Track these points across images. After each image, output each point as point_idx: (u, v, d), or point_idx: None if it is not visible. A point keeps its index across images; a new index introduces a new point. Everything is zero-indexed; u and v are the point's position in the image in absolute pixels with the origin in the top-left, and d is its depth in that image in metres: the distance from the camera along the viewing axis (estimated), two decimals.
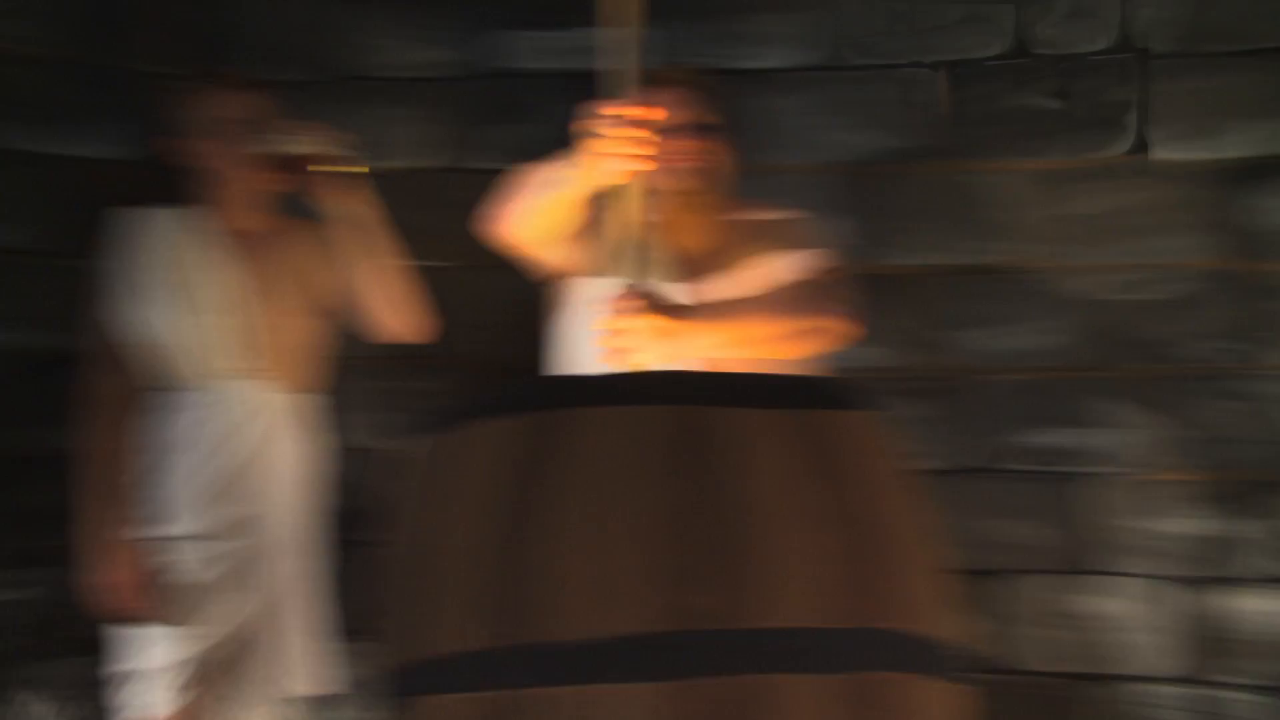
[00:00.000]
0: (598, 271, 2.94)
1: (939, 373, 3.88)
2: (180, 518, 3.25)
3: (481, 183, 4.05)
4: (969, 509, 3.82)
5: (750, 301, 2.80)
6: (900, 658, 2.02)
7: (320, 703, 3.47)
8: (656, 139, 2.60)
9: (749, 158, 3.89)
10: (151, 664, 3.23)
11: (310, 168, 3.29)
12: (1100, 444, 3.80)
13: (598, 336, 2.66)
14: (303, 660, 3.35)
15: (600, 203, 2.81)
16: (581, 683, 1.93)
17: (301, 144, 3.28)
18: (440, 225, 4.09)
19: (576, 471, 2.01)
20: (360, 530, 4.10)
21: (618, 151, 2.56)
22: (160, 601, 3.21)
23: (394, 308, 3.40)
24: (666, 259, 2.97)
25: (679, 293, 2.91)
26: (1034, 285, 3.83)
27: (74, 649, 3.84)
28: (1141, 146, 3.78)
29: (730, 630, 1.95)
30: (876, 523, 2.04)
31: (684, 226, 2.95)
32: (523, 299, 3.75)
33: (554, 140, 4.03)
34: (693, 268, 2.95)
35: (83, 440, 3.25)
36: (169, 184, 3.40)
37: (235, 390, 3.29)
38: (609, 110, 2.56)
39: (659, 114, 2.61)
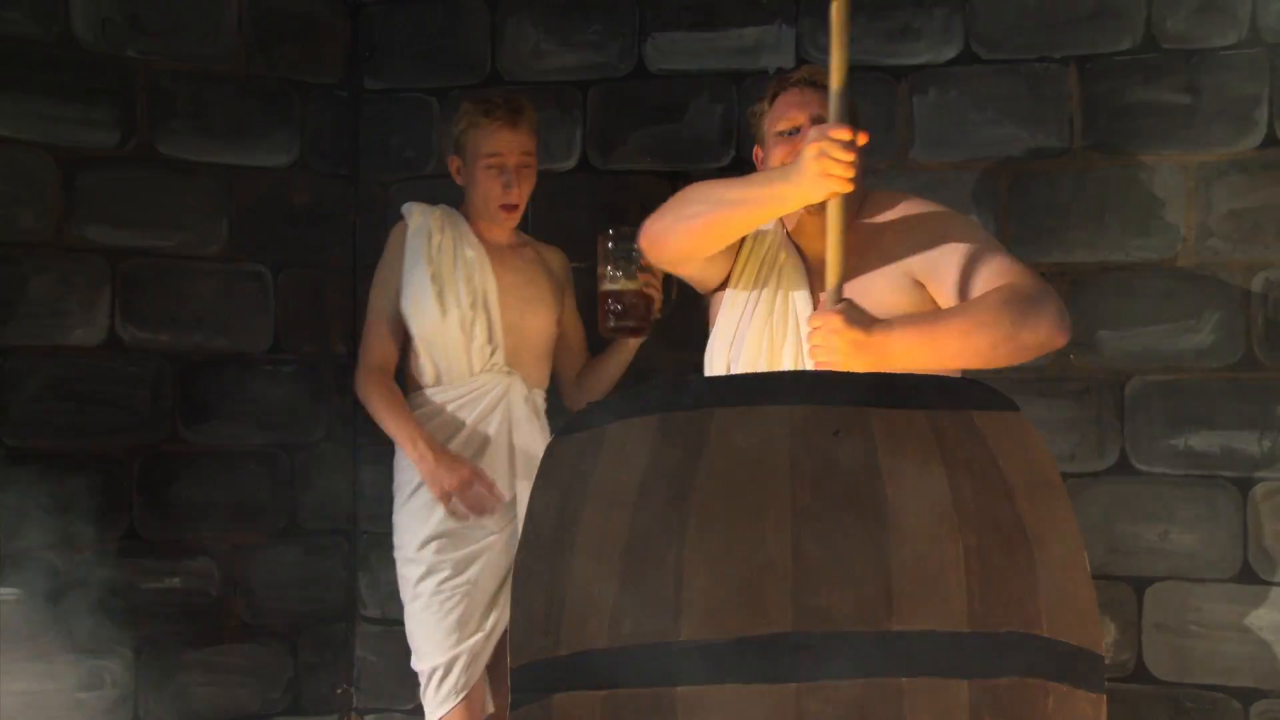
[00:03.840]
0: (755, 278, 2.88)
1: (1081, 373, 3.75)
2: (443, 513, 3.39)
3: (625, 184, 4.05)
4: (1113, 513, 3.70)
5: (951, 314, 2.69)
6: (1039, 664, 1.92)
7: None
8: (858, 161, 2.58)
9: (884, 155, 3.82)
10: (439, 660, 3.37)
11: (620, 305, 3.38)
12: (1249, 447, 3.63)
13: (809, 350, 2.61)
14: None
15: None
16: (706, 683, 1.86)
17: (633, 282, 3.36)
18: (583, 225, 4.07)
19: (707, 471, 1.95)
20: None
21: (837, 174, 2.54)
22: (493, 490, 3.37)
23: (584, 396, 3.63)
24: (794, 256, 2.89)
25: (802, 294, 2.83)
26: (1176, 283, 3.68)
27: (231, 636, 3.88)
28: (1273, 141, 3.63)
29: (859, 632, 1.86)
30: (1016, 526, 1.95)
31: (812, 224, 2.85)
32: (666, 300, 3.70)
33: (697, 142, 4.01)
34: (823, 265, 2.84)
35: (376, 409, 3.45)
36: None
37: (487, 382, 3.44)
38: (839, 134, 2.53)
39: (865, 138, 2.59)
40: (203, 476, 3.86)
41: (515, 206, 3.53)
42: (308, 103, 4.16)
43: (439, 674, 3.37)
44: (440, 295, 3.42)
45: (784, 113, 2.88)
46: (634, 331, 3.41)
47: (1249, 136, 3.67)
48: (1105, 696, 2.00)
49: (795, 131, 2.83)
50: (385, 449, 3.63)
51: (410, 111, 4.25)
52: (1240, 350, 3.65)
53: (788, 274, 2.87)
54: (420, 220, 3.51)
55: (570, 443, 2.10)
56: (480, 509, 3.36)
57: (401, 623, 3.53)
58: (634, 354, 3.61)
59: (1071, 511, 2.03)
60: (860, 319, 2.54)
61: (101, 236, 3.79)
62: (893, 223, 2.85)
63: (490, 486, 3.37)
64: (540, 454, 3.35)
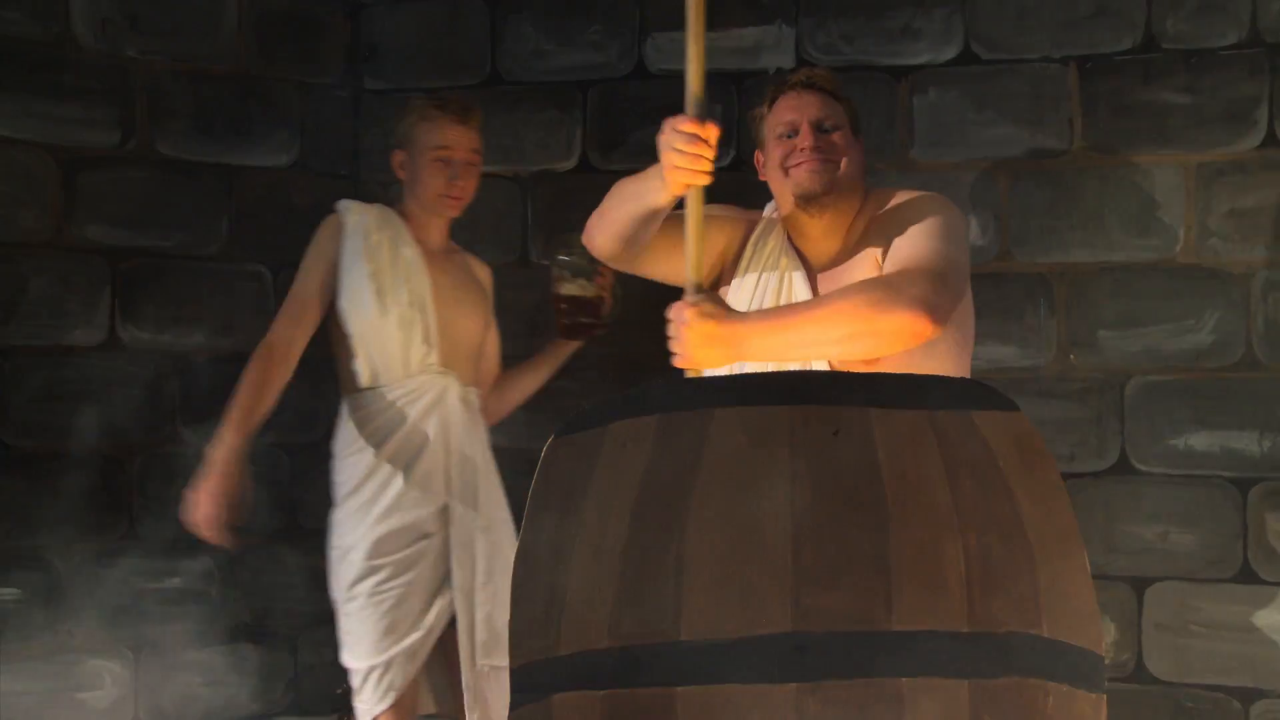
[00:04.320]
0: (757, 279, 2.87)
1: (1081, 373, 3.75)
2: (401, 509, 3.36)
3: None
4: (1113, 513, 3.70)
5: (811, 305, 2.65)
6: (1039, 664, 1.91)
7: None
8: (714, 153, 2.56)
9: (884, 155, 3.82)
10: (375, 660, 3.33)
11: (575, 310, 3.42)
12: (1249, 447, 3.63)
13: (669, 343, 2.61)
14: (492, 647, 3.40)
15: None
16: (707, 683, 1.85)
17: (588, 285, 3.39)
18: (580, 226, 4.06)
19: (705, 472, 1.94)
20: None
21: (686, 165, 2.54)
22: (226, 528, 3.24)
23: (503, 407, 3.69)
24: (795, 260, 2.88)
25: (805, 295, 2.82)
26: (1176, 283, 3.68)
27: (231, 636, 3.88)
28: (1273, 141, 3.63)
29: (860, 632, 1.86)
30: (1016, 526, 1.94)
31: (813, 227, 2.84)
32: (662, 300, 3.69)
33: None
34: (824, 268, 2.84)
35: (241, 382, 3.32)
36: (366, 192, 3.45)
37: (424, 383, 3.40)
38: (686, 126, 2.53)
39: (715, 131, 2.56)
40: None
41: (458, 199, 3.47)
42: (308, 103, 4.16)
43: (375, 674, 3.33)
44: (379, 293, 3.37)
45: (782, 115, 2.87)
46: (590, 331, 3.43)
47: (1249, 136, 3.67)
48: (1105, 696, 1.99)
49: (794, 134, 2.82)
50: None
51: None
52: (1240, 350, 3.64)
53: (789, 277, 2.86)
54: (358, 218, 3.44)
55: (570, 443, 2.09)
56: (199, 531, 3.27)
57: None
58: (554, 370, 3.66)
59: (1071, 511, 2.02)
60: (714, 312, 2.54)
61: (101, 236, 3.79)
62: (879, 215, 2.84)
63: (211, 516, 3.23)
64: (476, 454, 3.42)
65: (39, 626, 3.66)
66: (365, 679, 3.35)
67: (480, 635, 3.36)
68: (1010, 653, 1.89)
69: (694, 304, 2.55)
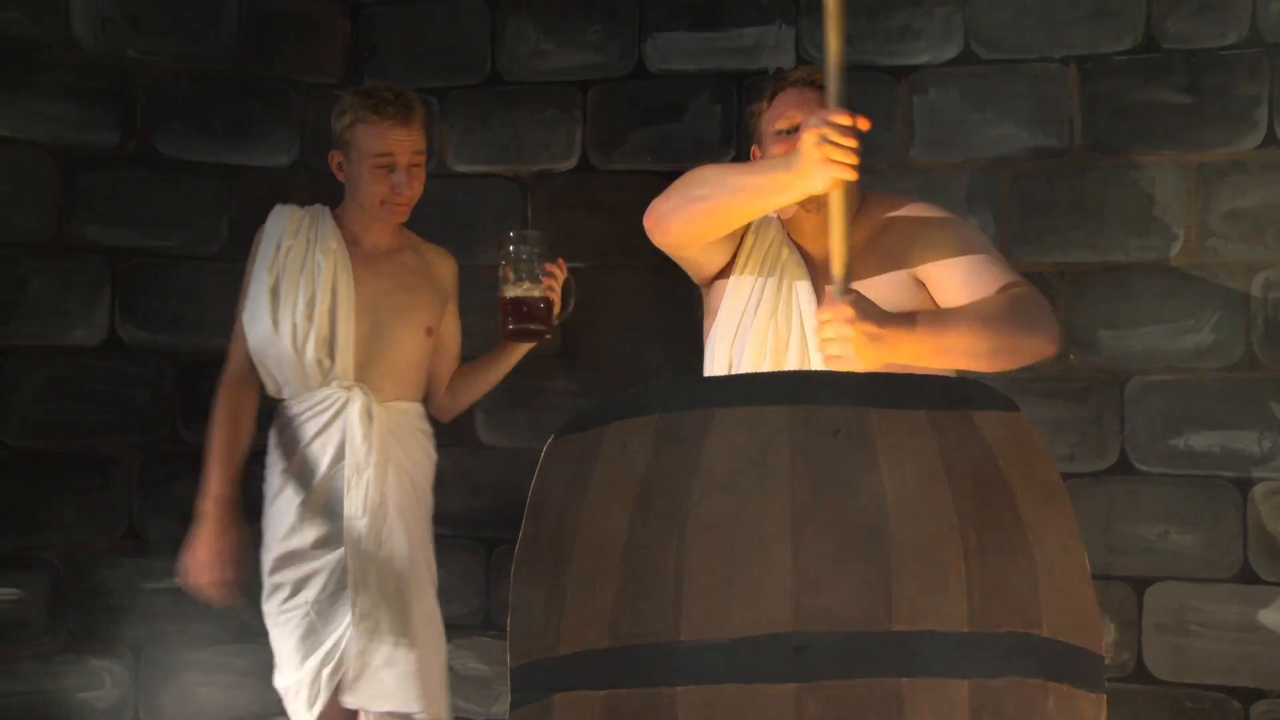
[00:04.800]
0: (758, 273, 2.86)
1: (1081, 373, 3.75)
2: (301, 527, 3.24)
3: (625, 184, 4.04)
4: (1113, 513, 3.70)
5: (960, 313, 2.67)
6: (1039, 664, 1.90)
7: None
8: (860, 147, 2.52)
9: (883, 155, 3.82)
10: (291, 678, 3.25)
11: (523, 309, 3.26)
12: (1249, 447, 3.63)
13: (816, 342, 2.59)
14: (418, 669, 3.28)
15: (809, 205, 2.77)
16: (707, 683, 1.85)
17: (535, 286, 3.24)
18: (582, 225, 4.08)
19: (705, 472, 1.94)
20: (499, 530, 4.16)
21: (840, 159, 2.48)
22: (232, 588, 3.20)
23: (456, 404, 3.56)
24: (795, 255, 2.89)
25: (805, 291, 2.82)
26: (1176, 283, 3.68)
27: (231, 636, 3.88)
28: (1273, 141, 3.63)
29: (860, 632, 1.86)
30: (1016, 526, 1.94)
31: (811, 224, 2.85)
32: (661, 299, 3.70)
33: (697, 142, 4.01)
34: (824, 264, 2.84)
35: (210, 427, 3.26)
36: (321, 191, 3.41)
37: (325, 398, 3.25)
38: (839, 118, 2.47)
39: (867, 124, 2.52)
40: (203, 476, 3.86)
41: (404, 205, 3.30)
42: (308, 103, 4.15)
43: (292, 690, 3.25)
44: (274, 306, 3.23)
45: (782, 111, 2.87)
46: (535, 335, 3.29)
47: (1249, 136, 3.66)
48: (1105, 696, 1.99)
49: (793, 130, 2.82)
50: None
51: None
52: (1240, 350, 3.64)
53: (790, 271, 2.86)
54: (275, 223, 3.32)
55: (570, 443, 2.09)
56: (202, 595, 3.22)
57: None
58: (511, 365, 3.50)
59: (1071, 511, 2.02)
60: (872, 311, 2.52)
61: (101, 236, 3.79)
62: (895, 222, 2.84)
63: (201, 582, 3.19)
64: (390, 473, 3.23)
65: (39, 626, 3.66)
66: (285, 695, 3.28)
67: (351, 671, 3.22)
68: (1010, 653, 1.89)
69: (851, 303, 2.51)
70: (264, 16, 4.07)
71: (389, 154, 3.25)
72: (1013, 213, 3.81)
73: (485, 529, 4.18)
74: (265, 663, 3.35)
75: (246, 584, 3.26)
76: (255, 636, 3.83)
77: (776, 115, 2.88)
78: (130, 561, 3.76)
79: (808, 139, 2.48)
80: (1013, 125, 3.81)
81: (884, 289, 2.75)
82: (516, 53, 4.19)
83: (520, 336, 3.30)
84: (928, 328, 2.58)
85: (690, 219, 2.78)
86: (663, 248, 2.91)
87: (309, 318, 3.23)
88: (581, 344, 4.13)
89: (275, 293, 3.24)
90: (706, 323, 2.99)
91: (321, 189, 4.11)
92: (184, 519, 3.47)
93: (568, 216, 4.12)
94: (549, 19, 4.16)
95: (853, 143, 2.48)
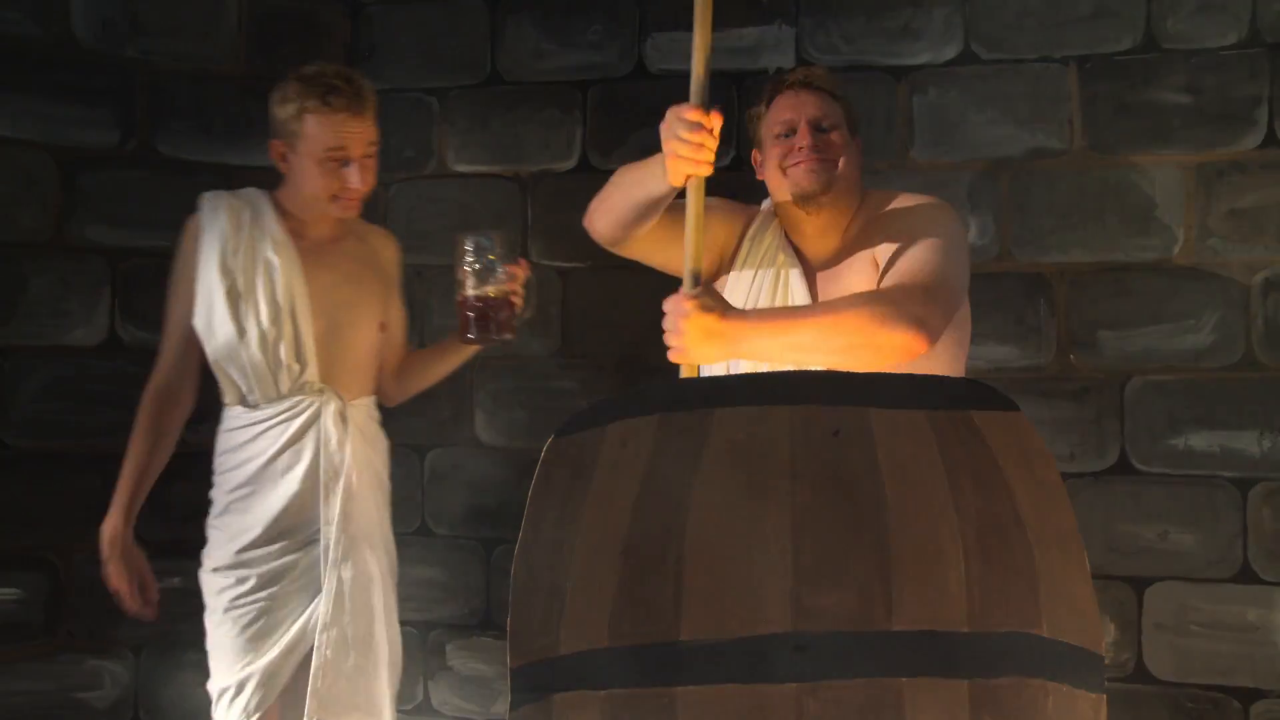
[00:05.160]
0: (755, 275, 2.87)
1: (1080, 373, 3.75)
2: (270, 530, 3.12)
3: None
4: (1113, 513, 3.70)
5: (814, 309, 2.64)
6: (1039, 664, 1.90)
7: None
8: (716, 143, 2.55)
9: (884, 155, 3.82)
10: (230, 680, 3.12)
11: (488, 310, 3.13)
12: (1249, 447, 3.63)
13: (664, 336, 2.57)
14: (386, 676, 3.20)
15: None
16: (707, 683, 1.85)
17: (499, 287, 3.11)
18: (579, 226, 4.07)
19: (705, 472, 1.94)
20: (499, 530, 4.16)
21: (688, 155, 2.52)
22: (147, 602, 3.13)
23: (403, 392, 3.40)
24: (792, 257, 2.89)
25: (802, 293, 2.82)
26: (1176, 283, 3.68)
27: None
28: (1273, 141, 3.63)
29: (860, 632, 1.86)
30: (1016, 526, 1.94)
31: (810, 226, 2.84)
32: (661, 299, 3.69)
33: None
34: (821, 267, 2.84)
35: (130, 441, 3.15)
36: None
37: (298, 404, 3.12)
38: (690, 115, 2.51)
39: (719, 120, 2.54)
40: (203, 476, 3.85)
41: (355, 199, 3.11)
42: None
43: (229, 694, 3.10)
44: (236, 311, 3.06)
45: (780, 114, 2.88)
46: (498, 339, 3.16)
47: (1249, 136, 3.66)
48: (1105, 696, 1.99)
49: (791, 133, 2.83)
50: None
51: (410, 111, 4.25)
52: (1240, 350, 3.64)
53: (785, 274, 2.86)
54: (213, 217, 3.12)
55: (570, 442, 2.09)
56: (127, 608, 3.13)
57: (402, 622, 3.51)
58: (464, 360, 3.39)
59: (1071, 511, 2.02)
60: (713, 306, 2.51)
61: (101, 236, 3.79)
62: (877, 217, 2.84)
63: (138, 595, 3.11)
64: (360, 477, 3.11)
65: (39, 626, 3.66)
66: (220, 698, 3.12)
67: (316, 682, 3.08)
68: (1010, 653, 1.89)
69: (693, 297, 2.52)
70: (264, 16, 4.07)
71: (341, 148, 3.04)
72: (1013, 213, 3.81)
73: (485, 529, 4.19)
74: None
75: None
76: None
77: (774, 119, 2.88)
78: None
79: (663, 133, 2.53)
80: (1013, 125, 3.81)
81: (850, 280, 2.75)
82: (516, 53, 4.19)
83: (482, 339, 3.15)
84: (774, 323, 2.56)
85: (602, 217, 2.85)
86: (606, 246, 2.93)
87: (274, 320, 3.08)
88: (581, 344, 4.13)
89: (233, 295, 3.07)
90: None
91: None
92: (184, 519, 3.48)
93: (568, 216, 4.10)
94: (549, 19, 4.16)
95: (700, 139, 2.49)
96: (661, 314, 2.56)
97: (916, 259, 2.64)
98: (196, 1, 3.97)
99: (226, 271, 3.07)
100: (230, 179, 3.97)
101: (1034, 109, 3.79)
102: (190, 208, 3.92)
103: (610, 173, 4.06)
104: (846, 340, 2.50)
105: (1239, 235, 3.65)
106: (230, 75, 4.01)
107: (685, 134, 2.50)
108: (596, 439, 2.04)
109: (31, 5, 3.68)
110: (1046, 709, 1.90)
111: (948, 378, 2.25)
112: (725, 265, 2.94)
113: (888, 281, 2.64)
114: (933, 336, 2.53)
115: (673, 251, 2.80)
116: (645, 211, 2.76)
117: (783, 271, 2.87)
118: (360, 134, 3.06)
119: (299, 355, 3.10)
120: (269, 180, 3.16)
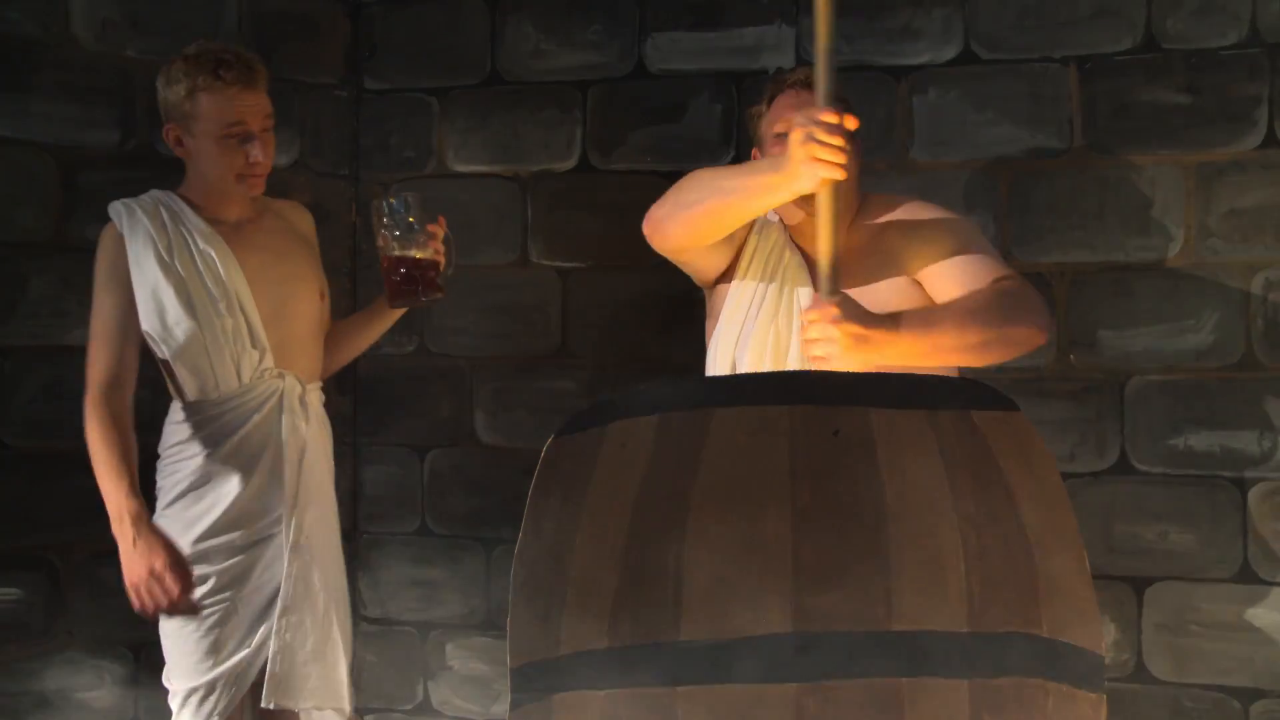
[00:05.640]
0: (760, 276, 2.86)
1: (1081, 373, 3.75)
2: (209, 517, 3.07)
3: (625, 184, 4.04)
4: (1113, 513, 3.70)
5: (945, 310, 2.69)
6: (1039, 664, 1.91)
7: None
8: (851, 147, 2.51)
9: (883, 155, 3.82)
10: (196, 681, 3.07)
11: (414, 272, 3.11)
12: (1248, 447, 3.62)
13: (801, 344, 2.59)
14: (333, 668, 3.15)
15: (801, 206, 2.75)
16: (707, 683, 1.85)
17: (423, 247, 3.10)
18: (582, 225, 4.08)
19: (705, 472, 1.94)
20: (499, 529, 4.16)
21: (826, 158, 2.46)
22: (186, 594, 2.97)
23: (333, 364, 3.35)
24: (798, 257, 2.89)
25: (808, 291, 2.82)
26: (1176, 283, 3.68)
27: None
28: (1273, 141, 3.63)
29: (860, 632, 1.86)
30: (1016, 526, 1.94)
31: (810, 225, 2.84)
32: (661, 299, 3.70)
33: (697, 142, 4.01)
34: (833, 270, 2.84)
35: (92, 448, 3.03)
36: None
37: (260, 392, 3.08)
38: (826, 117, 2.45)
39: (855, 123, 2.51)
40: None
41: (260, 175, 3.06)
42: (308, 103, 4.16)
43: (196, 696, 3.05)
44: (191, 309, 3.01)
45: (781, 114, 2.88)
46: (427, 298, 3.14)
47: (1249, 136, 3.66)
48: (1105, 696, 1.99)
49: None
50: (386, 449, 3.62)
51: (410, 111, 4.25)
52: (1240, 350, 3.64)
53: (792, 273, 2.87)
54: (132, 225, 3.05)
55: (570, 442, 2.09)
56: (156, 607, 2.95)
57: (402, 623, 3.51)
58: (391, 324, 3.35)
59: (1071, 511, 2.03)
60: (858, 313, 2.52)
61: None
62: (894, 224, 2.84)
63: (177, 583, 2.93)
64: (313, 462, 3.08)
65: (39, 626, 3.66)
66: (185, 703, 3.07)
67: (274, 666, 3.03)
68: (1010, 653, 1.89)
69: (837, 304, 2.51)
70: (264, 16, 4.07)
71: (240, 122, 3.00)
72: (1013, 213, 3.81)
73: (485, 529, 4.19)
74: None
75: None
76: None
77: (775, 118, 2.88)
78: None
79: (794, 138, 2.47)
80: (1013, 125, 3.81)
81: (882, 292, 2.75)
82: (516, 53, 4.19)
83: (411, 300, 3.15)
84: (913, 327, 2.59)
85: (685, 224, 2.78)
86: (662, 253, 2.91)
87: (230, 310, 3.03)
88: (581, 344, 4.13)
89: (183, 293, 3.01)
90: (709, 325, 2.99)
91: (322, 189, 4.13)
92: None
93: (568, 216, 4.12)
94: (549, 19, 4.16)
95: (840, 142, 2.46)
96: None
97: (990, 266, 2.76)
98: (196, 1, 3.97)
99: (170, 270, 3.02)
100: None
101: (1034, 109, 3.79)
102: None
103: (610, 172, 4.09)
104: (983, 336, 2.62)
105: (1239, 235, 3.65)
106: None
107: (825, 136, 2.45)
108: (596, 439, 2.04)
109: (31, 5, 3.68)
110: (1046, 709, 1.90)
111: (948, 378, 2.27)
112: (732, 265, 2.95)
113: (973, 289, 2.70)
114: (1050, 330, 2.73)
115: (715, 256, 2.88)
116: (742, 219, 2.76)
117: (788, 272, 2.87)
118: (256, 106, 3.03)
119: (255, 341, 3.06)
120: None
